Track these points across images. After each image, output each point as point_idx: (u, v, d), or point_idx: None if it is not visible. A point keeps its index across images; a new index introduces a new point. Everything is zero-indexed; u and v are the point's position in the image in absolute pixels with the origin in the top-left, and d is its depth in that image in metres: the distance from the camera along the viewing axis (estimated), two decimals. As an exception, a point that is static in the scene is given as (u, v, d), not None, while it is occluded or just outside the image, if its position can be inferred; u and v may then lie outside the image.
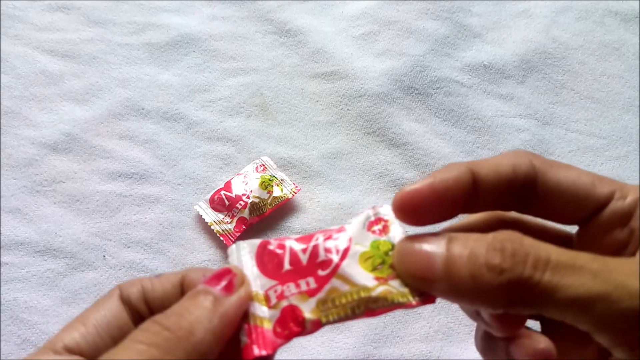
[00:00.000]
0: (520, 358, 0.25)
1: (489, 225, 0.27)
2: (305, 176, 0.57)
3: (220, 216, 0.53)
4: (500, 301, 0.21)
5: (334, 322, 0.23)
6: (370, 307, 0.23)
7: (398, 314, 0.51)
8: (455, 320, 0.51)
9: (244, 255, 0.25)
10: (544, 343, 0.24)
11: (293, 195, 0.55)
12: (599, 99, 0.65)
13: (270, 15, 0.67)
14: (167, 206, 0.54)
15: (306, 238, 0.25)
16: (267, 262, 0.25)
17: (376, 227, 0.25)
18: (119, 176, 0.56)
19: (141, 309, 0.26)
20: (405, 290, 0.24)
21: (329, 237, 0.25)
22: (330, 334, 0.50)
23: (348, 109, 0.61)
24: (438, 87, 0.63)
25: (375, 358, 0.49)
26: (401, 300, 0.23)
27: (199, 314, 0.22)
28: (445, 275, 0.22)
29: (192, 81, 0.62)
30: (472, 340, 0.50)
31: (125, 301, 0.26)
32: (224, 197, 0.53)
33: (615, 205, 0.25)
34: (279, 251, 0.25)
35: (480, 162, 0.25)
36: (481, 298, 0.21)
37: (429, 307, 0.51)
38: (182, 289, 0.26)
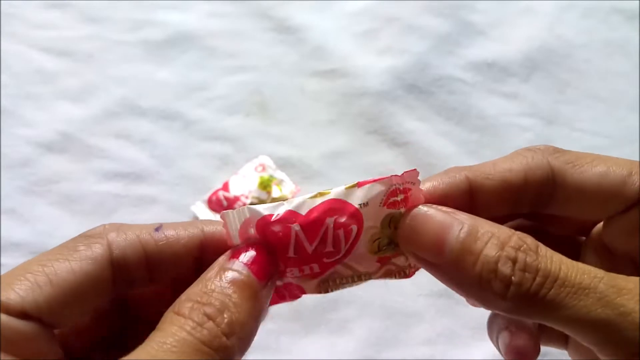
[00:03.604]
0: (502, 350, 0.25)
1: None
2: (305, 176, 0.57)
3: (218, 217, 0.53)
4: (501, 307, 0.20)
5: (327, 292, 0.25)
6: (367, 280, 0.24)
7: (399, 316, 0.51)
8: (458, 324, 0.51)
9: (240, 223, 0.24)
10: (522, 341, 0.24)
11: (293, 195, 0.55)
12: (603, 98, 0.64)
13: (269, 11, 0.66)
14: (164, 207, 0.54)
15: (314, 224, 0.24)
16: (271, 239, 0.24)
17: (394, 199, 0.24)
18: (115, 176, 0.55)
19: (138, 275, 0.21)
20: (406, 264, 0.24)
21: (339, 226, 0.24)
22: (331, 338, 0.49)
23: (349, 108, 0.61)
24: (440, 85, 0.62)
25: (376, 362, 0.49)
26: (398, 277, 0.24)
27: (242, 317, 0.19)
28: (451, 265, 0.21)
29: (190, 79, 0.61)
30: (475, 343, 0.49)
31: (117, 263, 0.21)
32: (222, 197, 0.53)
33: None
34: (283, 235, 0.24)
35: (485, 168, 0.23)
36: (481, 299, 0.21)
37: (431, 311, 0.51)
38: (200, 255, 0.22)
